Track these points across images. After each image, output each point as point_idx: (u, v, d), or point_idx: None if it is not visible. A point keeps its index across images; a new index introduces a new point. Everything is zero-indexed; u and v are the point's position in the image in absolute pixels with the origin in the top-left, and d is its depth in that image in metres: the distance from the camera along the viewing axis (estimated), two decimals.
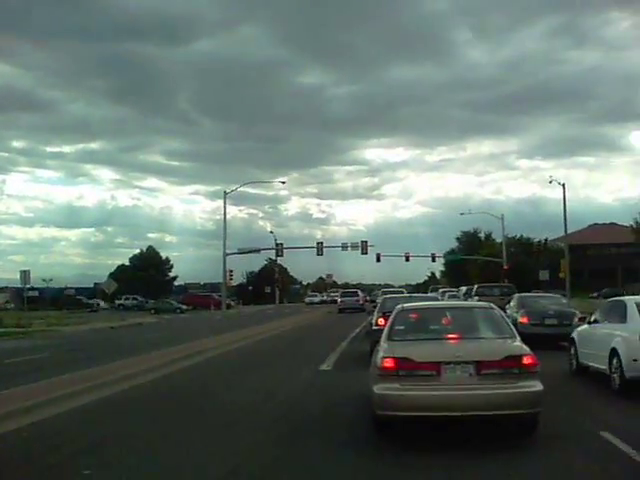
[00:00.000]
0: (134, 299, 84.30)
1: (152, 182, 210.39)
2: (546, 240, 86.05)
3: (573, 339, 15.33)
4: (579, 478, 7.24)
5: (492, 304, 10.54)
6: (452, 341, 9.09)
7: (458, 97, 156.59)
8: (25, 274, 45.25)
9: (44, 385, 13.79)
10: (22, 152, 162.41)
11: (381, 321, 17.39)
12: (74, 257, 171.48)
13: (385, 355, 8.66)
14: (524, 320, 21.40)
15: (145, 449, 8.98)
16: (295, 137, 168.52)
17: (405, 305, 10.72)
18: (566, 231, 59.26)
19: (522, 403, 8.23)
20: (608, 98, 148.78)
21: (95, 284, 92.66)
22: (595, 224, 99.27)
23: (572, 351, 15.27)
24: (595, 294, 66.88)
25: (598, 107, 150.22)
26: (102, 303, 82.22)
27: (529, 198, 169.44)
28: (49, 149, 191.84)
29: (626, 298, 14.32)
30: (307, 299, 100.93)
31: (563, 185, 57.45)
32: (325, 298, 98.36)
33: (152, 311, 72.42)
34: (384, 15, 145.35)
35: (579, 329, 15.60)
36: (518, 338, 9.10)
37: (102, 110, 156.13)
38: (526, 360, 8.39)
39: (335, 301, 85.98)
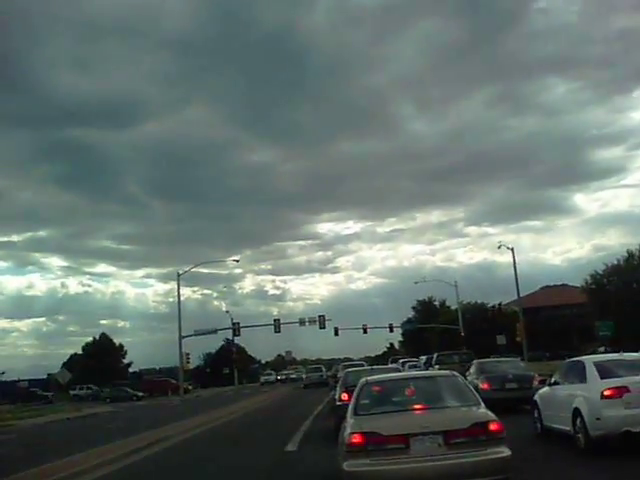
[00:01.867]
0: (88, 388, 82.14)
1: (102, 267, 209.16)
2: (500, 304, 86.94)
3: (535, 402, 15.39)
4: None
5: (454, 372, 10.59)
6: (419, 412, 9.07)
7: (405, 168, 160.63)
8: None
9: None
10: None
11: (344, 396, 17.25)
12: (26, 348, 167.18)
13: (352, 431, 8.59)
14: (485, 386, 21.45)
15: None
16: (247, 214, 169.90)
17: (369, 378, 10.67)
18: (519, 294, 60.03)
19: (492, 470, 8.21)
20: (550, 162, 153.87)
21: (48, 375, 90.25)
22: (547, 286, 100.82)
23: (535, 414, 15.31)
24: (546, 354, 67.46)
25: (541, 171, 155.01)
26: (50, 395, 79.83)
27: (480, 263, 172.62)
28: None
29: (584, 358, 14.49)
30: (262, 378, 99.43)
31: (512, 249, 58.56)
32: (281, 377, 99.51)
33: (107, 400, 70.68)
34: (328, 93, 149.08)
35: (540, 391, 15.68)
36: (482, 405, 9.14)
37: (50, 197, 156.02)
38: (493, 426, 8.40)
39: (291, 379, 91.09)
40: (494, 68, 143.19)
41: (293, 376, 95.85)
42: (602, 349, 56.22)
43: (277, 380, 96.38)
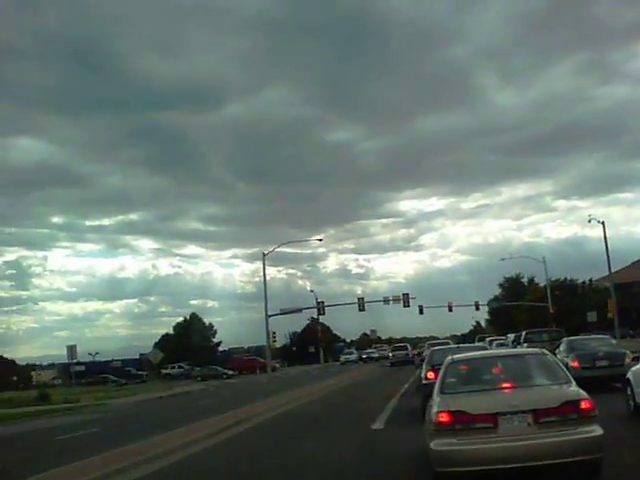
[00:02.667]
0: (180, 367, 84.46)
1: (191, 249, 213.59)
2: (591, 280, 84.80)
3: (628, 380, 14.98)
4: None
5: (544, 350, 10.37)
6: (507, 391, 8.90)
7: (489, 142, 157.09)
8: (71, 349, 45.75)
9: (95, 461, 13.82)
10: (62, 227, 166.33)
11: (430, 375, 17.18)
12: (118, 329, 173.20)
13: (439, 409, 8.52)
14: (575, 364, 21.00)
15: None
16: (329, 193, 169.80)
17: (455, 357, 10.55)
18: (610, 270, 58.37)
19: (583, 449, 8.00)
20: None
21: (141, 355, 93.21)
22: (639, 260, 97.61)
23: (628, 392, 14.91)
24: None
25: (632, 141, 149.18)
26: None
27: (569, 239, 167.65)
28: (88, 223, 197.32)
29: None
30: (342, 357, 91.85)
31: (603, 223, 56.93)
32: (363, 356, 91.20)
33: (199, 378, 72.48)
34: (409, 66, 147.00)
35: (634, 369, 15.25)
36: (574, 383, 8.91)
37: (138, 181, 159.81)
38: (584, 405, 8.19)
39: (374, 358, 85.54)
40: (581, 35, 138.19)
41: (375, 355, 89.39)
42: None
43: (360, 359, 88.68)
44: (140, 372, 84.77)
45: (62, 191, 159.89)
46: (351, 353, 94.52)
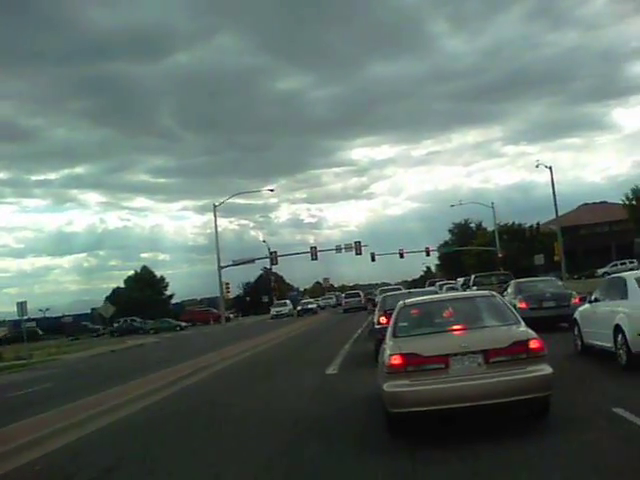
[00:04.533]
0: (132, 321, 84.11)
1: (140, 202, 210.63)
2: (538, 224, 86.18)
3: (575, 319, 15.36)
4: (597, 456, 7.19)
5: (493, 292, 10.54)
6: (458, 332, 9.07)
7: (440, 89, 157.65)
8: (22, 305, 45.00)
9: (52, 415, 13.70)
10: (7, 183, 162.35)
11: (383, 319, 17.39)
12: (68, 284, 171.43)
13: (392, 352, 8.63)
14: (522, 305, 21.44)
15: (160, 467, 8.93)
16: (280, 143, 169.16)
17: (407, 301, 10.68)
18: (557, 213, 59.49)
19: (533, 388, 8.21)
20: (589, 77, 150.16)
21: (92, 309, 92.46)
22: (585, 204, 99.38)
23: (576, 331, 15.30)
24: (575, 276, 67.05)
25: (580, 87, 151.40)
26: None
27: (518, 184, 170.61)
28: (34, 177, 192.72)
29: (625, 274, 14.34)
30: (272, 310, 77.18)
31: (550, 168, 57.80)
32: (299, 307, 75.98)
33: (152, 331, 72.30)
34: (358, 13, 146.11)
35: (581, 309, 15.63)
36: (523, 323, 9.09)
37: (84, 133, 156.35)
38: (533, 344, 8.37)
39: (311, 310, 72.85)
40: None
41: (312, 306, 76.31)
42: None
43: (298, 311, 73.89)
44: (96, 326, 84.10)
45: (6, 146, 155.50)
46: (283, 305, 79.33)
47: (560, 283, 26.65)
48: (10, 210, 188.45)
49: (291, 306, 78.30)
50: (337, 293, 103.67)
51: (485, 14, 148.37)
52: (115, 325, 79.91)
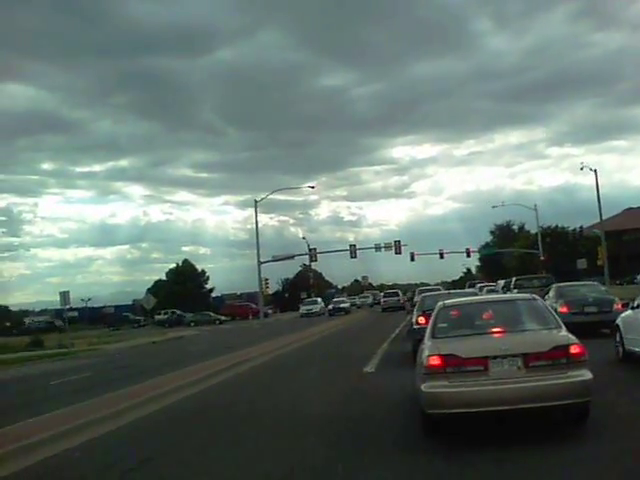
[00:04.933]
0: (173, 313, 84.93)
1: (182, 195, 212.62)
2: (581, 228, 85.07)
3: (618, 325, 15.16)
4: (634, 465, 7.12)
5: (534, 295, 10.45)
6: (497, 335, 9.01)
7: (482, 88, 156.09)
8: (64, 295, 45.76)
9: (92, 404, 13.94)
10: (52, 174, 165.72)
11: (421, 319, 17.37)
12: (111, 275, 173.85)
13: (431, 353, 8.62)
14: (564, 309, 21.17)
15: (198, 460, 9.01)
16: (321, 140, 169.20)
17: (446, 302, 10.65)
18: (601, 217, 58.56)
19: (572, 393, 8.13)
20: (635, 79, 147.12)
21: (134, 301, 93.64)
22: (630, 208, 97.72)
23: (617, 338, 15.10)
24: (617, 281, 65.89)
25: (626, 89, 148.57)
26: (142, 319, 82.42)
27: (562, 186, 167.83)
28: (78, 169, 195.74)
29: None
30: (302, 308, 72.47)
31: (595, 171, 56.95)
32: (332, 306, 69.73)
33: (192, 324, 72.96)
34: (402, 11, 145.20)
35: (623, 315, 15.42)
36: (564, 328, 9.01)
37: (128, 126, 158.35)
38: (574, 349, 8.29)
39: (343, 309, 67.54)
40: None
41: (345, 305, 70.58)
42: None
43: (329, 310, 68.39)
44: (137, 317, 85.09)
45: (52, 137, 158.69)
46: (314, 302, 75.00)
47: (603, 288, 26.28)
48: (55, 200, 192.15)
49: (322, 304, 73.45)
50: (375, 292, 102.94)
51: (529, 13, 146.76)
52: (157, 317, 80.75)
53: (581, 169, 58.52)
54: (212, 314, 79.48)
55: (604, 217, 61.05)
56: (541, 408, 8.24)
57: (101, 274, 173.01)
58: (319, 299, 78.81)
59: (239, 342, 32.67)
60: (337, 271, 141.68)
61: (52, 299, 75.23)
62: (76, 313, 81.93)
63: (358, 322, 49.20)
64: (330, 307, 69.32)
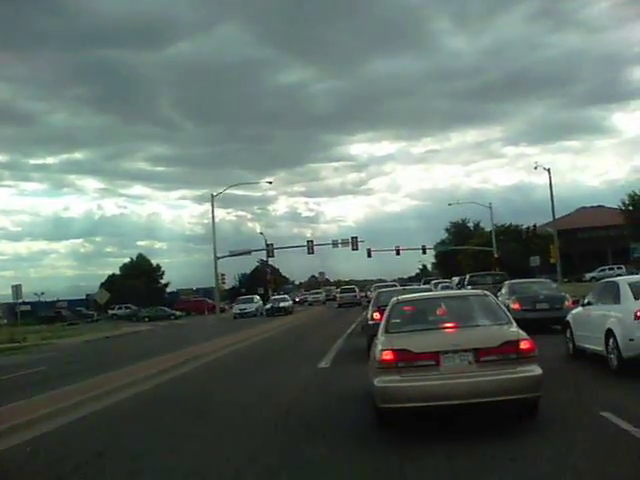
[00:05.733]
0: (127, 308, 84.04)
1: (138, 189, 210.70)
2: (535, 226, 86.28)
3: (568, 322, 15.41)
4: (583, 459, 7.23)
5: (486, 291, 10.59)
6: (449, 330, 9.13)
7: (441, 87, 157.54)
8: (17, 289, 45.09)
9: (43, 399, 13.75)
10: (5, 166, 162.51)
11: (376, 315, 17.44)
12: (64, 269, 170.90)
13: (384, 348, 8.69)
14: (516, 306, 21.51)
15: (147, 456, 8.95)
16: (280, 136, 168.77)
17: (400, 297, 10.75)
18: (554, 216, 59.58)
19: (522, 388, 8.27)
20: (590, 80, 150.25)
21: (87, 295, 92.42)
22: (583, 207, 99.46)
23: (568, 334, 15.34)
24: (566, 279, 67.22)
25: (581, 90, 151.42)
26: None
27: (516, 185, 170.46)
28: (32, 161, 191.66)
29: (619, 279, 14.40)
30: (235, 308, 63.96)
31: (548, 170, 57.94)
32: (269, 305, 61.28)
33: (146, 319, 72.33)
34: (363, 8, 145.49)
35: (573, 312, 15.68)
36: (514, 324, 9.14)
37: (84, 119, 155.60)
38: (524, 345, 8.43)
39: (283, 309, 58.12)
40: None
41: (285, 304, 60.76)
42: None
43: (266, 310, 60.03)
44: (91, 312, 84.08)
45: (5, 129, 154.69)
46: (250, 301, 65.78)
47: (554, 285, 26.74)
48: (8, 193, 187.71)
49: (260, 303, 65.23)
50: (329, 288, 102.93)
51: (488, 14, 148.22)
52: (110, 312, 79.89)
53: (535, 168, 59.66)
54: (167, 309, 78.91)
55: (557, 216, 62.19)
56: (492, 403, 8.34)
57: (55, 268, 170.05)
58: (257, 297, 68.57)
59: (193, 338, 32.48)
60: (294, 267, 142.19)
61: (4, 293, 74.02)
62: (29, 307, 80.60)
63: (315, 317, 49.26)
64: (268, 306, 59.84)
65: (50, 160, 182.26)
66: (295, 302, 78.37)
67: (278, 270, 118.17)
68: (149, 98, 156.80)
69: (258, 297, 69.06)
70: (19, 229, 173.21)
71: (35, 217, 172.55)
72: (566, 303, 21.09)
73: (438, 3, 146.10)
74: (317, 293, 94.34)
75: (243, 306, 62.97)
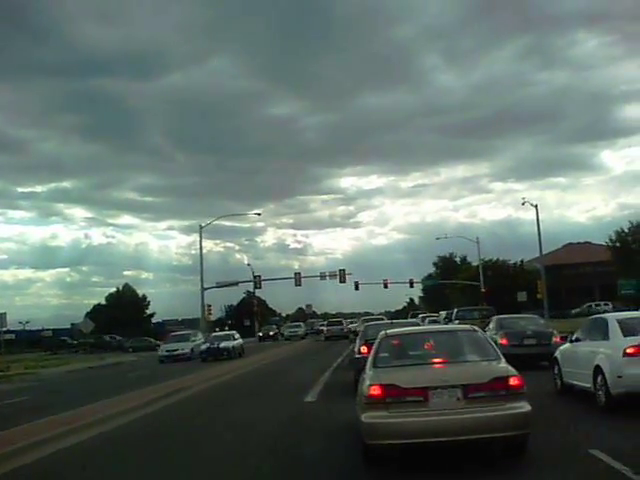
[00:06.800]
0: (111, 338, 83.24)
1: (126, 219, 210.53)
2: (522, 261, 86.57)
3: (556, 358, 15.34)
4: None
5: (475, 326, 10.51)
6: (438, 365, 9.04)
7: (430, 122, 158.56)
8: (1, 317, 44.62)
9: (25, 429, 13.55)
10: None
11: (364, 349, 17.30)
12: (50, 298, 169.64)
13: (371, 383, 8.57)
14: (503, 341, 21.41)
15: None
16: (269, 168, 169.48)
17: (389, 331, 10.62)
18: (541, 252, 59.71)
19: (511, 425, 8.16)
20: (578, 118, 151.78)
21: (72, 324, 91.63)
22: (570, 243, 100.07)
23: (556, 370, 15.27)
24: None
25: (569, 127, 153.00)
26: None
27: (504, 220, 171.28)
28: (20, 189, 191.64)
29: (607, 315, 14.36)
30: (162, 348, 46.63)
31: (536, 206, 58.04)
32: (213, 345, 42.13)
33: (130, 349, 71.64)
34: (353, 44, 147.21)
35: (561, 348, 15.61)
36: (503, 360, 9.07)
37: (74, 148, 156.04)
38: (513, 381, 8.34)
39: (222, 351, 39.69)
40: (524, 20, 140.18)
41: (228, 345, 42.05)
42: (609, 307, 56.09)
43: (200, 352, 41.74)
44: (75, 341, 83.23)
45: None
46: (183, 339, 46.93)
47: (542, 321, 26.67)
48: None
49: (200, 340, 46.78)
50: (312, 320, 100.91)
51: (478, 50, 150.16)
52: (95, 342, 79.12)
53: (523, 204, 59.66)
54: (152, 340, 78.17)
55: (545, 251, 62.36)
56: (480, 440, 8.23)
57: (40, 297, 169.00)
58: (198, 334, 50.50)
59: (177, 369, 32.14)
60: (282, 299, 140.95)
61: None
62: (13, 335, 79.79)
63: (302, 350, 48.87)
64: (203, 347, 42.39)
65: (39, 188, 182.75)
66: (266, 337, 75.51)
67: (265, 302, 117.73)
68: (139, 128, 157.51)
69: (200, 334, 50.89)
70: (5, 257, 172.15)
71: (22, 245, 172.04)
72: (554, 339, 21.01)
73: (429, 39, 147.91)
74: (296, 326, 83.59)
75: (173, 346, 45.28)
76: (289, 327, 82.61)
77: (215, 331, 62.48)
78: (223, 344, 42.04)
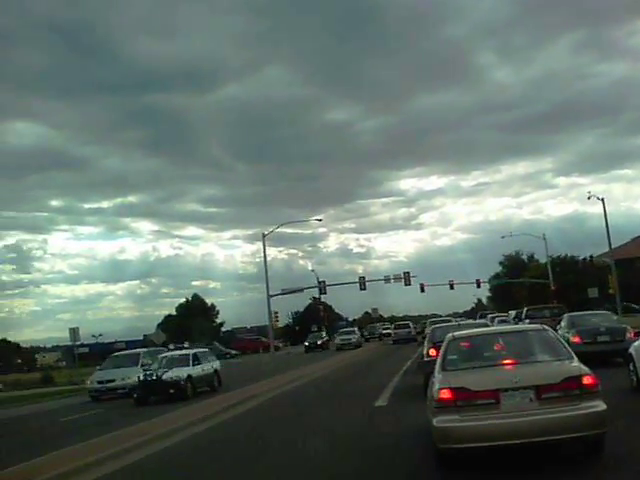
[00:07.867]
0: (183, 348, 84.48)
1: (191, 230, 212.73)
2: (591, 257, 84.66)
3: (631, 355, 15.00)
4: None
5: (545, 326, 10.38)
6: (508, 367, 8.92)
7: (488, 120, 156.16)
8: (74, 331, 45.77)
9: (98, 442, 13.94)
10: (61, 210, 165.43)
11: (432, 352, 17.21)
12: (121, 311, 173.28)
13: (441, 386, 8.54)
14: (576, 339, 21.05)
15: None
16: (328, 173, 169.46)
17: (456, 333, 10.55)
18: (610, 246, 58.35)
19: (586, 425, 8.02)
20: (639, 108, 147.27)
21: (144, 336, 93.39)
22: (639, 236, 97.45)
23: (631, 367, 14.93)
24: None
25: (631, 118, 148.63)
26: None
27: (570, 215, 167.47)
28: (87, 205, 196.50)
29: None
30: (94, 377, 31.94)
31: (602, 200, 56.78)
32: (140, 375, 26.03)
33: None
34: (406, 45, 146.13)
35: (636, 344, 15.26)
36: (575, 358, 8.92)
37: (136, 163, 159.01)
38: (586, 380, 8.20)
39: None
40: (579, 12, 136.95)
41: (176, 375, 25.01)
42: None
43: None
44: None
45: (60, 174, 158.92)
46: (129, 362, 32.25)
47: (615, 317, 26.12)
48: (64, 237, 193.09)
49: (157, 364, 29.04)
50: (373, 325, 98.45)
51: (532, 46, 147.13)
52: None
53: (588, 198, 58.40)
54: (222, 347, 79.09)
55: (613, 245, 60.84)
56: (555, 441, 8.11)
57: (112, 310, 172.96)
58: (165, 351, 38.23)
59: (251, 376, 32.49)
60: (347, 303, 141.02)
61: (63, 335, 75.26)
62: (87, 349, 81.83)
63: (369, 355, 48.79)
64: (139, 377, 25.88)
65: (105, 204, 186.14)
66: (314, 346, 66.02)
67: (331, 307, 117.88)
68: (199, 140, 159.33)
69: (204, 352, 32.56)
70: (76, 272, 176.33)
71: (91, 260, 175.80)
72: (628, 335, 20.52)
73: (482, 37, 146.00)
74: (348, 333, 69.35)
75: (109, 374, 31.03)
76: (340, 334, 68.88)
77: (213, 344, 57.02)
78: (170, 373, 25.21)
